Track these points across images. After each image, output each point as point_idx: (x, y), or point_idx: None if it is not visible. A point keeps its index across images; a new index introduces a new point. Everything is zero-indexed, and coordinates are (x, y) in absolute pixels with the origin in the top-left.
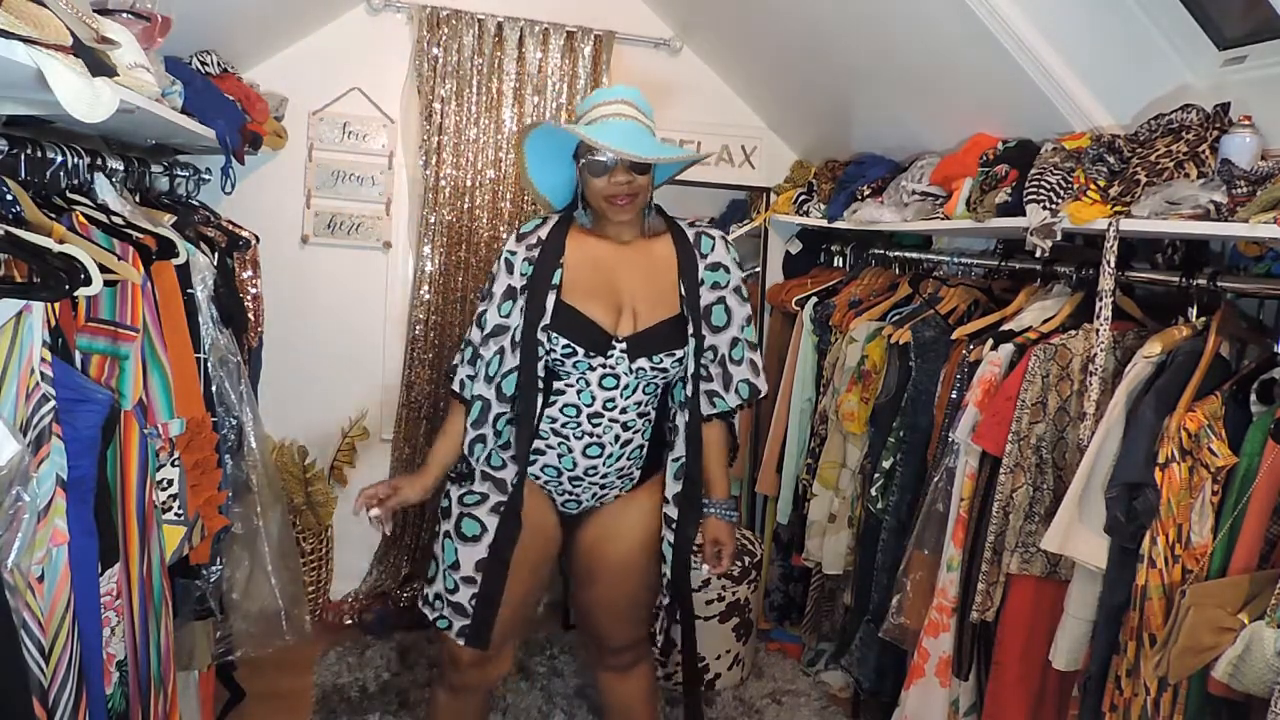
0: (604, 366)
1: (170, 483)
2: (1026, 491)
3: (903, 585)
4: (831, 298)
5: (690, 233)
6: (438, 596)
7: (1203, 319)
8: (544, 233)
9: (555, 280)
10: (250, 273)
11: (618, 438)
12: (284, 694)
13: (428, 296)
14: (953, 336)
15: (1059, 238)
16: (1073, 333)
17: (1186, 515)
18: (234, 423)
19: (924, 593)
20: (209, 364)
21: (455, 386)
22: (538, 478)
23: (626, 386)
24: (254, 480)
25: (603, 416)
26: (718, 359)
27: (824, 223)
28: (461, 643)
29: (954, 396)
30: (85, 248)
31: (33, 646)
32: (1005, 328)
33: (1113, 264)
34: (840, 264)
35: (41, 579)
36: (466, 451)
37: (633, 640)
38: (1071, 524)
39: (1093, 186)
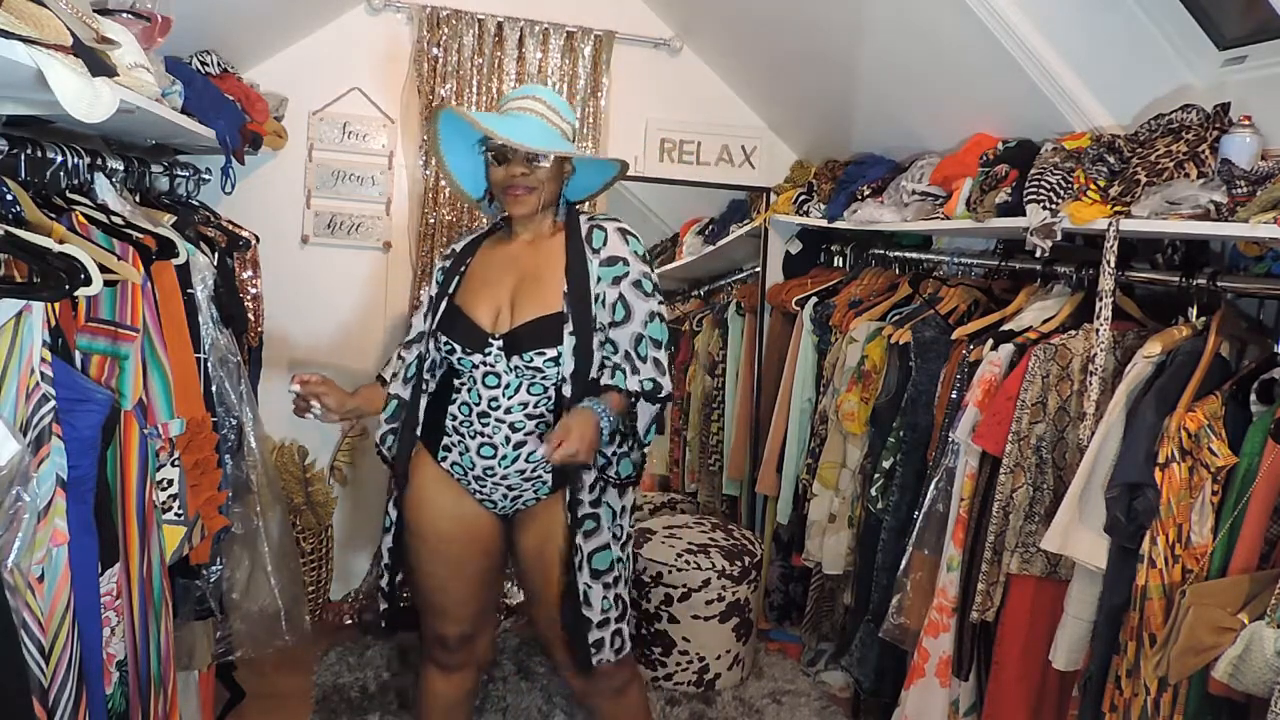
0: (484, 364)
1: (170, 483)
2: (1026, 491)
3: (903, 585)
4: (831, 298)
5: (584, 227)
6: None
7: (1203, 319)
8: (460, 245)
9: (451, 287)
10: (250, 273)
11: (508, 439)
12: (284, 694)
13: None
14: (953, 336)
15: (1059, 238)
16: (1073, 333)
17: (1186, 515)
18: (234, 423)
19: (924, 593)
20: (209, 364)
21: (383, 373)
22: (450, 473)
23: (508, 386)
24: (254, 480)
25: (489, 416)
26: (620, 353)
27: (824, 223)
28: (382, 625)
29: (954, 396)
30: (85, 248)
31: (33, 646)
32: (1005, 328)
33: (1113, 264)
34: (840, 264)
35: (41, 579)
36: (378, 440)
37: (603, 669)
38: (1071, 524)
39: (1093, 186)
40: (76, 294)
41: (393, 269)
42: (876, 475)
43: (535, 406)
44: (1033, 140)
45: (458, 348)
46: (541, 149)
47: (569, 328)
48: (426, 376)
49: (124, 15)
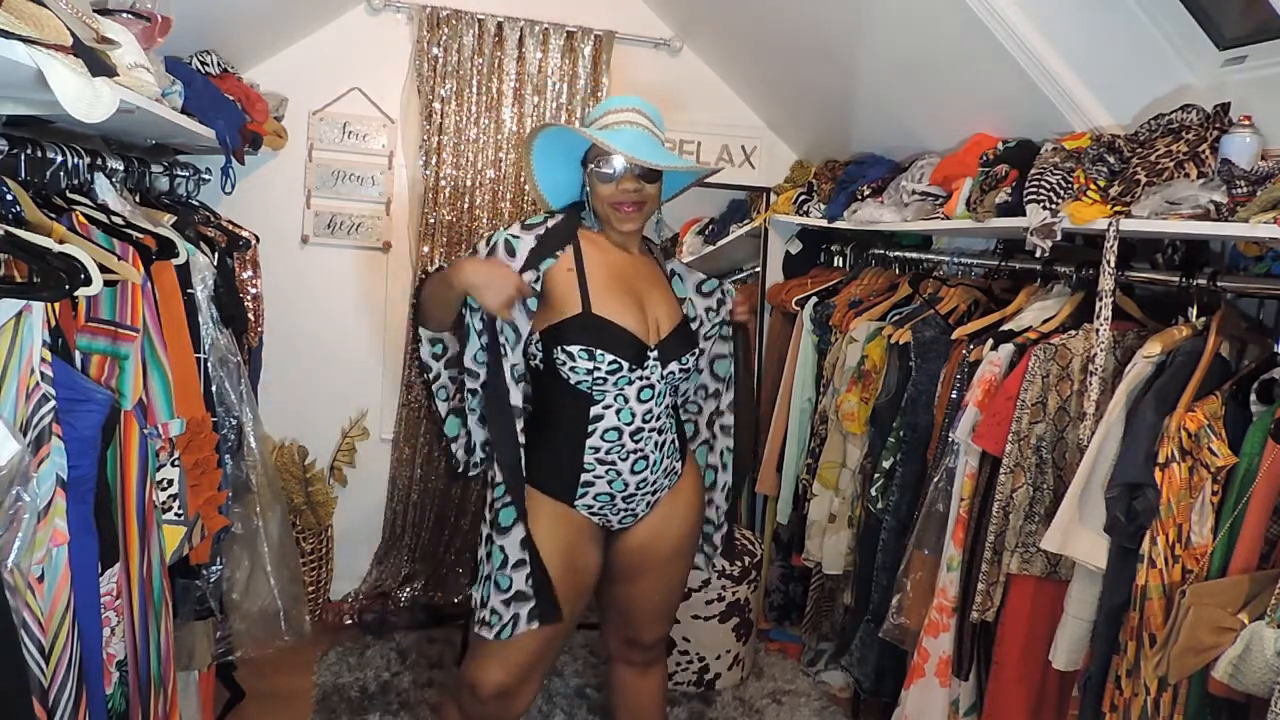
0: (641, 379)
1: (170, 483)
2: (1026, 491)
3: (903, 585)
4: (831, 298)
5: (672, 261)
6: (493, 612)
7: (1203, 319)
8: (553, 225)
9: (580, 290)
10: (250, 273)
11: (657, 444)
12: (284, 694)
13: None
14: (953, 336)
15: (1059, 238)
16: (1073, 333)
17: (1186, 515)
18: (234, 423)
19: (924, 593)
20: (209, 364)
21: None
22: (590, 507)
23: (660, 394)
24: (254, 480)
25: (643, 430)
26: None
27: (824, 223)
28: (536, 625)
29: (954, 396)
30: (85, 248)
31: (33, 646)
32: (1005, 328)
33: (1113, 264)
34: (840, 264)
35: (41, 579)
36: (465, 452)
37: (661, 637)
38: (1071, 524)
39: (1093, 186)
40: (76, 294)
41: (393, 269)
42: (876, 475)
43: (671, 404)
44: (1033, 140)
45: (624, 364)
46: (671, 166)
47: (694, 333)
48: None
49: (124, 15)
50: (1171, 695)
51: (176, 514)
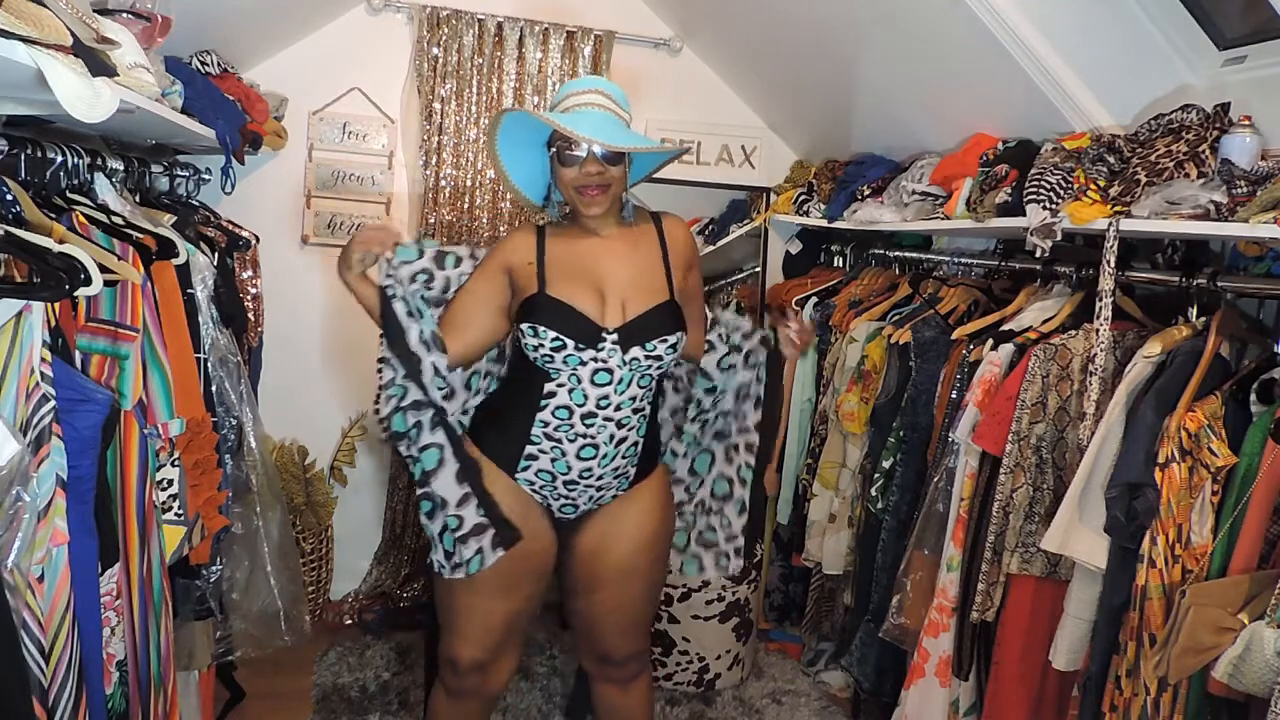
0: (595, 360)
1: (170, 483)
2: (1026, 491)
3: (903, 585)
4: (831, 298)
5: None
6: (457, 543)
7: (1203, 319)
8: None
9: (535, 280)
10: (250, 273)
11: (612, 437)
12: (284, 694)
13: None
14: (953, 336)
15: (1059, 238)
16: (1073, 333)
17: (1186, 515)
18: (234, 423)
19: (924, 593)
20: (209, 364)
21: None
22: (531, 483)
23: (621, 381)
24: (254, 480)
25: (596, 416)
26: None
27: (824, 223)
28: (501, 552)
29: (954, 396)
30: (85, 248)
31: (33, 646)
32: (1005, 328)
33: (1113, 264)
34: (840, 264)
35: (41, 579)
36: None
37: (636, 651)
38: (1071, 524)
39: (1093, 186)
40: (76, 294)
41: None
42: (876, 475)
43: (641, 400)
44: (1033, 140)
45: (569, 342)
46: (629, 148)
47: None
48: (483, 385)
49: (124, 15)
50: (1171, 695)
51: (176, 514)
